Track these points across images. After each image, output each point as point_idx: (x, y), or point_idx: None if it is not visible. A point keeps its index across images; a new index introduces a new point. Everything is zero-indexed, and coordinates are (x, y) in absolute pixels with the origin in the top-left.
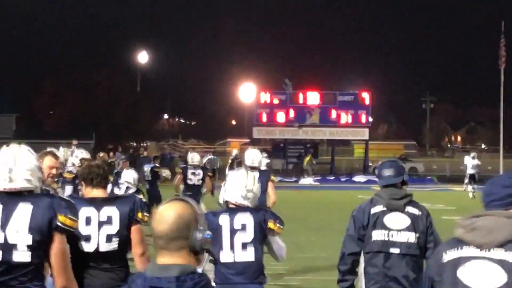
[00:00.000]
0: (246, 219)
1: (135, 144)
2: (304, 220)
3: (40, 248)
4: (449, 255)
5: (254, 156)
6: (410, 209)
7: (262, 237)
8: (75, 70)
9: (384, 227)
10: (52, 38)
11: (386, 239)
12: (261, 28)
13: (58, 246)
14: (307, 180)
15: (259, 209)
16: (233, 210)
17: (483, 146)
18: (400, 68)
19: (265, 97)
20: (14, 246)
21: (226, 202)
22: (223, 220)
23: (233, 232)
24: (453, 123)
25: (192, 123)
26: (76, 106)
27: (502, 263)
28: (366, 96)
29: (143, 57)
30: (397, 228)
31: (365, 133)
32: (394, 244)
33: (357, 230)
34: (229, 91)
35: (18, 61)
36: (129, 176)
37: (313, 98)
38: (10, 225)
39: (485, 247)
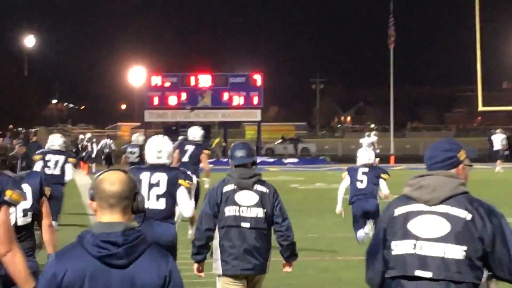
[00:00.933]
0: (161, 176)
1: (23, 130)
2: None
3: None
4: (399, 210)
5: (195, 132)
6: (258, 187)
7: (173, 191)
8: None
9: (235, 203)
10: None
11: (238, 214)
12: (150, 9)
13: (2, 217)
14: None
15: (173, 169)
16: (153, 168)
17: (372, 125)
18: (289, 49)
19: (156, 80)
20: None
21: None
22: (144, 176)
23: (150, 186)
24: (343, 103)
25: (81, 108)
26: None
27: (446, 215)
28: (257, 78)
29: (30, 41)
30: (246, 205)
31: (257, 115)
32: (244, 219)
33: (211, 207)
34: (118, 74)
35: None
36: (58, 140)
37: (204, 80)
38: None
39: (431, 202)
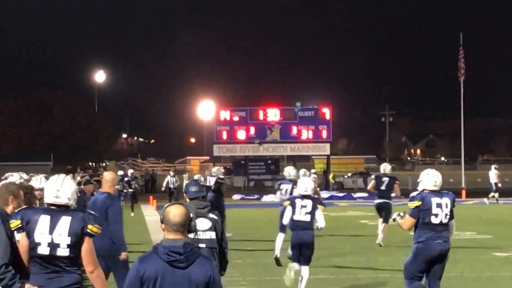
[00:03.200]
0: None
1: (93, 164)
2: (270, 240)
3: (75, 246)
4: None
5: (387, 167)
6: (210, 215)
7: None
8: (31, 90)
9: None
10: (7, 58)
11: (196, 237)
12: (219, 45)
13: (87, 246)
14: (269, 197)
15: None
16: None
17: (442, 158)
18: (358, 82)
19: (225, 114)
20: (58, 245)
21: None
22: None
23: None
24: (413, 136)
25: (151, 142)
26: (33, 127)
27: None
28: (326, 111)
29: (100, 76)
30: (202, 229)
31: (326, 148)
32: (201, 241)
33: None
34: (187, 109)
35: None
36: (292, 171)
37: (273, 114)
38: (56, 230)
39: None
